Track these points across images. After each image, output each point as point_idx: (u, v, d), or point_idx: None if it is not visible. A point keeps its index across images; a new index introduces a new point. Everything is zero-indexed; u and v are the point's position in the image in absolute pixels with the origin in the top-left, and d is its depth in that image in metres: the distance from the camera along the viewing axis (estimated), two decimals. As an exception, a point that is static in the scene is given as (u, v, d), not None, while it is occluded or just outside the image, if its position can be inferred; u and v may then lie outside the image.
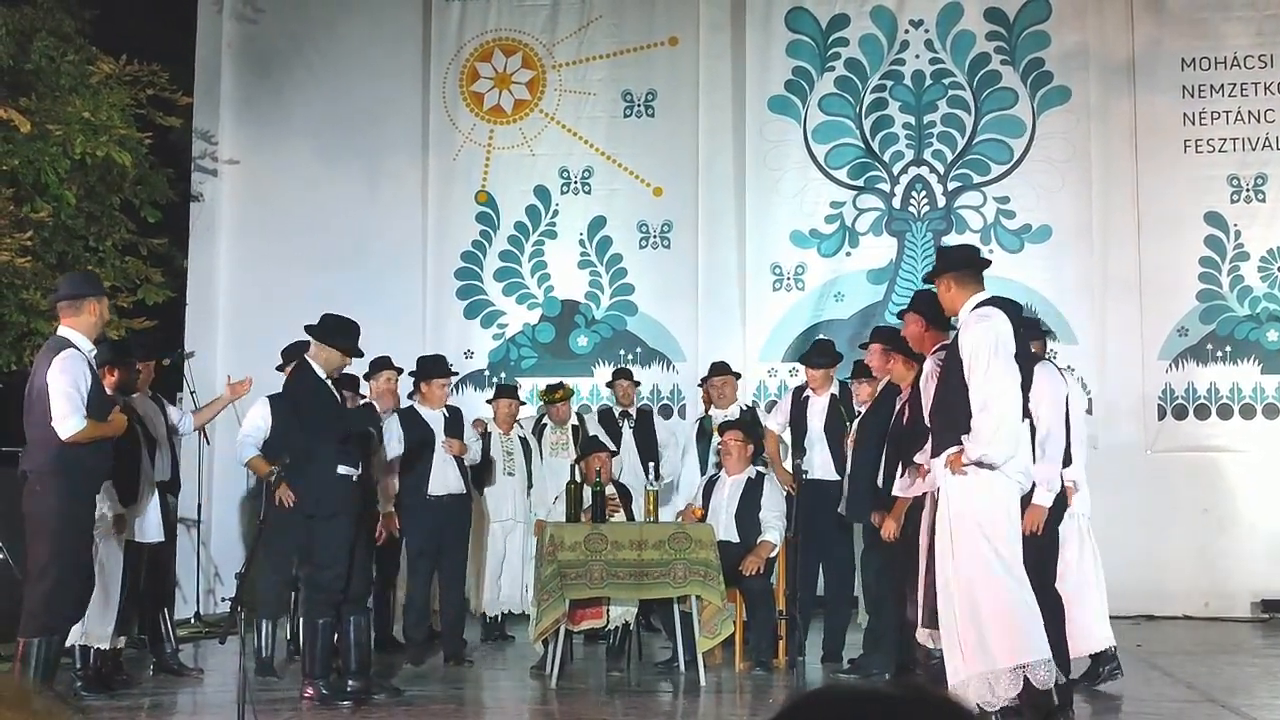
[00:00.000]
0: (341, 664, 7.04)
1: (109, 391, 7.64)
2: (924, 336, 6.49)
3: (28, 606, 6.27)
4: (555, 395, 9.69)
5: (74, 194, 9.47)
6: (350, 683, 6.94)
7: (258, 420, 7.63)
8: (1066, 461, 6.13)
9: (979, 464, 5.47)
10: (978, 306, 5.76)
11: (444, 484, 8.43)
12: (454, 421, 8.60)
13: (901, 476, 6.77)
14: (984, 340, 5.58)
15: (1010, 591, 5.48)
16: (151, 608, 7.82)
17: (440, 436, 8.46)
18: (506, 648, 9.09)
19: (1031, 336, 7.04)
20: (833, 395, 8.37)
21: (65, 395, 6.21)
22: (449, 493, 8.44)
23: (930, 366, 6.27)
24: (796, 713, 1.57)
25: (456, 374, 9.55)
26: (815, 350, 8.80)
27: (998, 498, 5.53)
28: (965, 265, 6.00)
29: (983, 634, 5.47)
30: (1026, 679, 5.48)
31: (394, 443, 7.82)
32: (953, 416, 5.62)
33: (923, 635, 6.64)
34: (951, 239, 11.26)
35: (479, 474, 8.88)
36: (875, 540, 7.50)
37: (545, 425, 9.66)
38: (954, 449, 5.61)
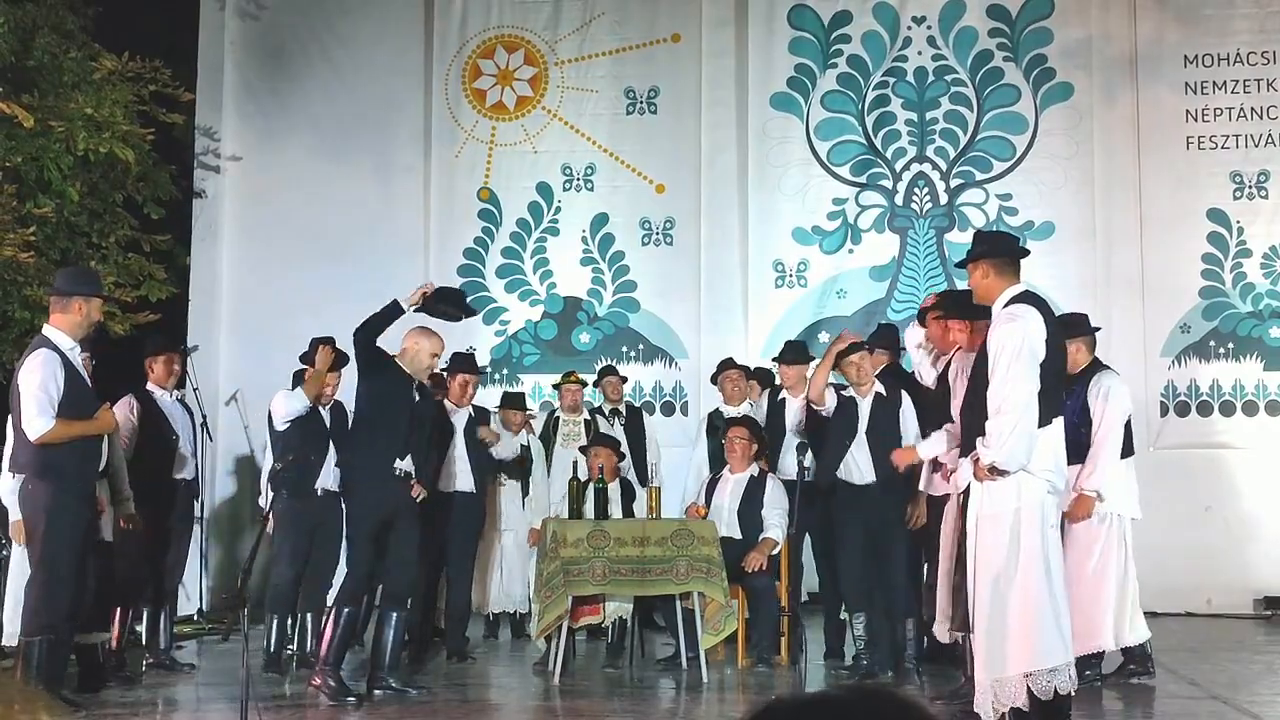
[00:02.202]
0: (372, 658, 7.07)
1: (152, 386, 7.74)
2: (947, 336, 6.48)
3: (27, 605, 6.30)
4: (570, 376, 9.69)
5: (77, 190, 9.47)
6: (388, 680, 6.97)
7: (284, 412, 7.77)
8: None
9: (993, 470, 5.41)
10: (1011, 303, 5.61)
11: (453, 481, 8.41)
12: (478, 420, 8.61)
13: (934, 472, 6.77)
14: (1009, 341, 5.43)
15: (1033, 596, 5.42)
16: (153, 605, 7.83)
17: (459, 434, 8.44)
18: (509, 644, 9.09)
19: (1078, 334, 7.06)
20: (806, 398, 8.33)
21: (33, 397, 6.20)
22: (457, 489, 8.42)
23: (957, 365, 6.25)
24: None
25: (481, 373, 9.55)
26: (787, 348, 8.77)
27: (1027, 498, 5.47)
28: (1005, 253, 5.77)
29: (1003, 639, 5.42)
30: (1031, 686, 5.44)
31: None
32: (979, 417, 5.56)
33: (940, 632, 6.64)
34: (954, 236, 11.27)
35: (507, 468, 8.92)
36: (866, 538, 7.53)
37: (558, 417, 9.66)
38: (975, 455, 5.53)
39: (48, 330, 6.45)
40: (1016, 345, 5.42)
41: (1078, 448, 6.73)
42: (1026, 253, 6.04)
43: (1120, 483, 7.07)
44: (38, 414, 6.20)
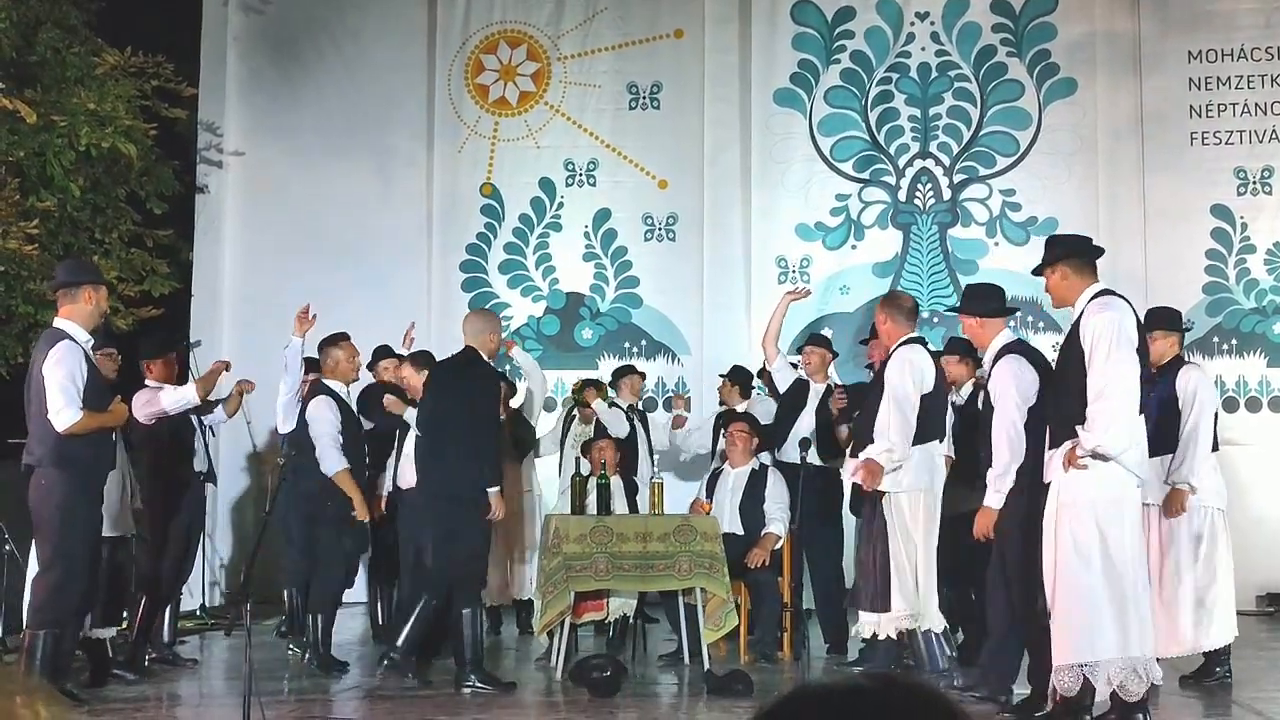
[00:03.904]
0: (389, 640, 7.14)
1: (151, 383, 7.74)
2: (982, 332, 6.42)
3: (34, 600, 6.29)
4: (583, 397, 9.57)
5: (79, 186, 9.46)
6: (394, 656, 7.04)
7: (331, 418, 7.62)
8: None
9: (1094, 455, 5.40)
10: (1099, 295, 5.65)
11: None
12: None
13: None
14: (1107, 328, 5.47)
15: (1097, 588, 5.43)
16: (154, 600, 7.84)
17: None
18: (512, 640, 9.09)
19: (1171, 329, 7.10)
20: (829, 387, 8.35)
21: (60, 387, 6.16)
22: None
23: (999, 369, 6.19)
24: (779, 711, 1.55)
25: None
26: (813, 338, 8.89)
27: (1113, 489, 5.47)
28: (1085, 253, 5.85)
29: (1101, 622, 5.44)
30: (1085, 679, 5.46)
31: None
32: (1071, 409, 5.52)
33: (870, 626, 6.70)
34: (957, 232, 11.26)
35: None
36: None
37: (574, 418, 9.64)
38: (1071, 443, 5.50)
39: (60, 323, 6.37)
40: (1114, 332, 5.46)
41: (1166, 439, 6.77)
42: (1100, 252, 6.04)
43: (1213, 476, 7.11)
44: (66, 405, 6.15)
